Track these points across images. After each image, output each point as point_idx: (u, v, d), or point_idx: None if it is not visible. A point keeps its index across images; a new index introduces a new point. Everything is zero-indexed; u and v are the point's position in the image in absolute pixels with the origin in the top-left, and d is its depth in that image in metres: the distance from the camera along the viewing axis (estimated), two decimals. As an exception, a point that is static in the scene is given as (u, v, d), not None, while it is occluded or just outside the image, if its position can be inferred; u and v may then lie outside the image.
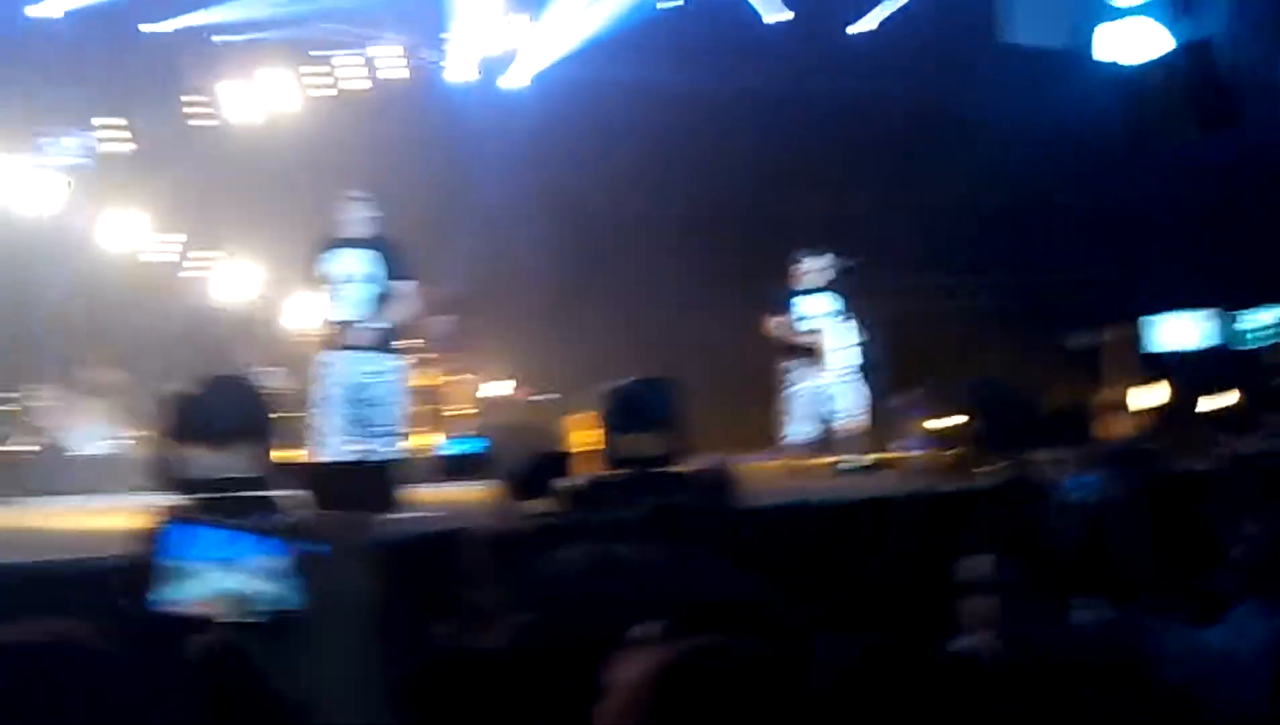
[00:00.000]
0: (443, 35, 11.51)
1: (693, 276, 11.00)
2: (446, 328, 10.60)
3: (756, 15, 11.36)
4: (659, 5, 11.32)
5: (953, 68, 10.71)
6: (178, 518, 1.59)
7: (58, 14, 9.94)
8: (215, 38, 10.72)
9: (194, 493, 5.04)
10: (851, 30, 11.49)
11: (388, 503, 5.02)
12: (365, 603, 1.29)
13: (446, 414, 10.52)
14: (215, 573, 1.55)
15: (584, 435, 10.23)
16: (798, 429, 8.32)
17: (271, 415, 5.53)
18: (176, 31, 10.49)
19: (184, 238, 10.99)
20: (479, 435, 10.41)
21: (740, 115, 10.78)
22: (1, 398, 9.79)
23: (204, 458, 6.79)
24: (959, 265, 11.21)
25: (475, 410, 10.76)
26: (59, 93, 10.18)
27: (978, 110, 10.79)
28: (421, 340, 9.81)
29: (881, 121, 10.95)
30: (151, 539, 1.53)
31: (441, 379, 10.51)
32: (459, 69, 11.33)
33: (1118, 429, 7.90)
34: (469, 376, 10.82)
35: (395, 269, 6.73)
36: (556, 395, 10.71)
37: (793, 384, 8.34)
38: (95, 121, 10.59)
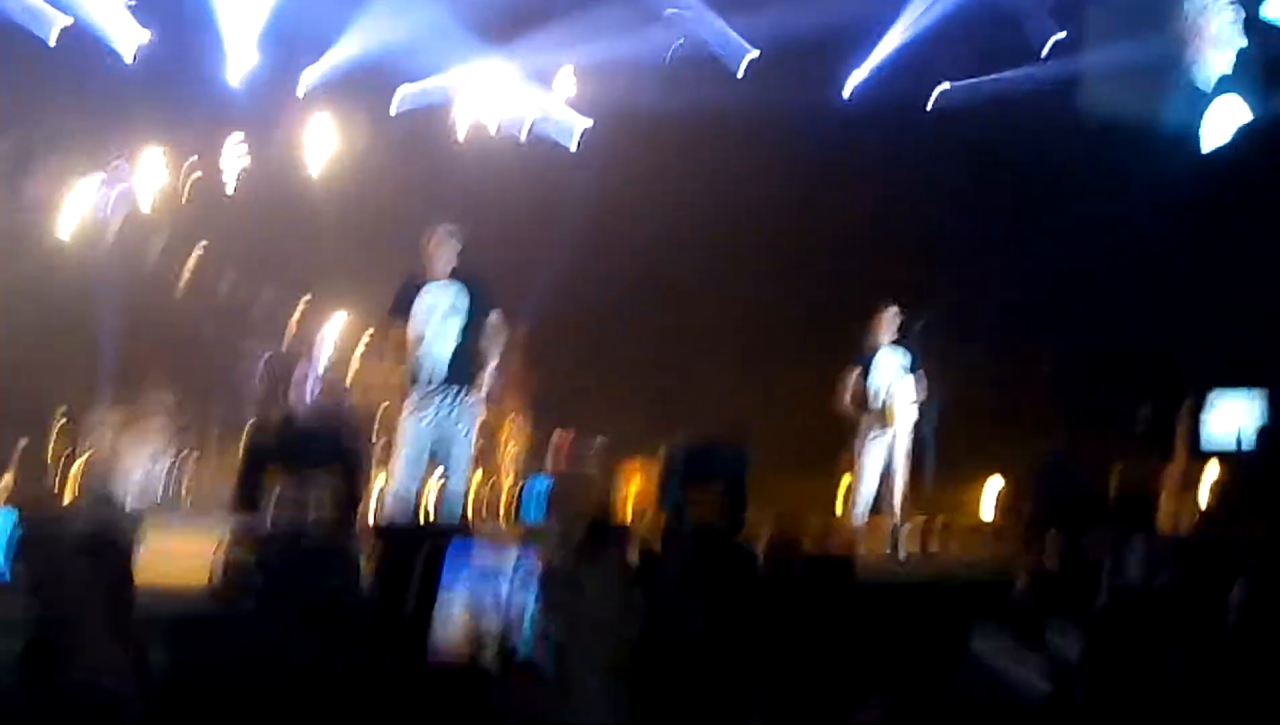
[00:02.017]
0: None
1: (761, 332, 11.05)
2: (506, 368, 10.70)
3: (839, 78, 11.45)
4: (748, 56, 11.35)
5: (1035, 137, 10.73)
6: (450, 536, 1.63)
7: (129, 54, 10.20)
8: (299, 80, 10.94)
9: (275, 520, 5.15)
10: (940, 89, 11.52)
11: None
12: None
13: (509, 453, 10.59)
14: (481, 583, 1.58)
15: (639, 485, 10.33)
16: (866, 493, 8.25)
17: (357, 448, 5.66)
18: (257, 70, 10.72)
19: (259, 273, 11.17)
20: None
21: (822, 174, 10.80)
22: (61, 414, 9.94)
23: (289, 486, 6.91)
24: (1030, 330, 11.16)
25: (524, 450, 10.81)
26: (130, 124, 10.43)
27: (1058, 179, 10.80)
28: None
29: (962, 186, 10.95)
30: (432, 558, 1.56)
31: (497, 418, 10.57)
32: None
33: (1184, 510, 7.78)
34: (520, 417, 10.87)
35: (483, 302, 6.78)
36: (603, 439, 10.76)
37: (861, 443, 8.27)
38: (169, 154, 10.83)
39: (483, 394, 6.78)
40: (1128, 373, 10.45)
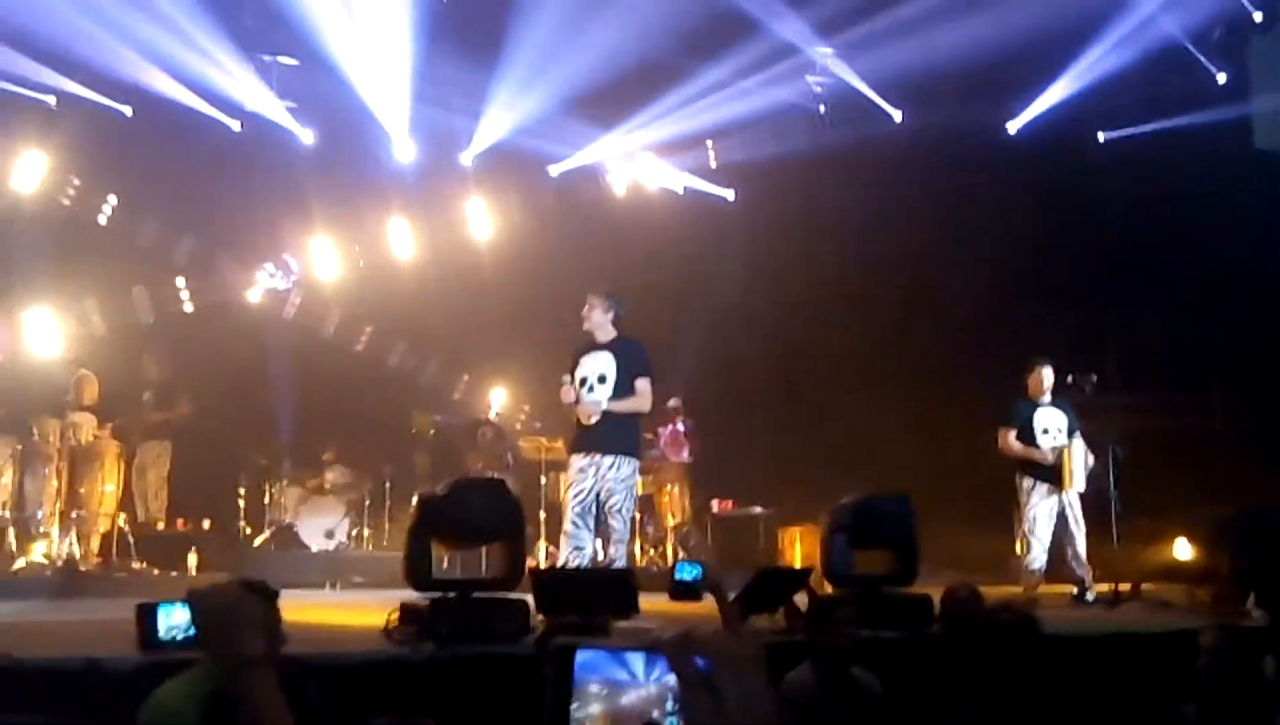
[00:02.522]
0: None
1: (914, 390, 10.77)
2: (663, 437, 10.72)
3: (1001, 123, 11.26)
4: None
5: (1207, 175, 10.31)
6: (575, 640, 1.58)
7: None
8: (462, 158, 11.38)
9: (445, 590, 5.24)
10: (1101, 138, 11.21)
11: (631, 608, 5.02)
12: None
13: (668, 524, 10.54)
14: (616, 697, 1.54)
15: (800, 549, 10.16)
16: (1039, 552, 7.94)
17: (520, 519, 5.73)
18: (418, 153, 11.19)
19: (426, 347, 11.53)
20: (688, 549, 10.44)
21: (978, 221, 10.57)
22: (238, 492, 10.36)
23: (459, 559, 7.02)
24: (1205, 381, 10.60)
25: (683, 522, 10.74)
26: (301, 214, 10.98)
27: (1234, 217, 10.33)
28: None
29: (1131, 229, 10.56)
30: (555, 661, 1.53)
31: (644, 489, 10.55)
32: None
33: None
34: (677, 488, 10.82)
35: (636, 367, 6.82)
36: (761, 509, 10.63)
37: (1033, 503, 7.98)
38: (340, 238, 11.34)
39: (636, 463, 6.78)
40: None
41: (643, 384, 6.71)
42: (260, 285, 11.26)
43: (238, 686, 2.04)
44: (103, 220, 10.62)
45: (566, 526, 6.58)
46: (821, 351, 11.06)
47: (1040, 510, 7.87)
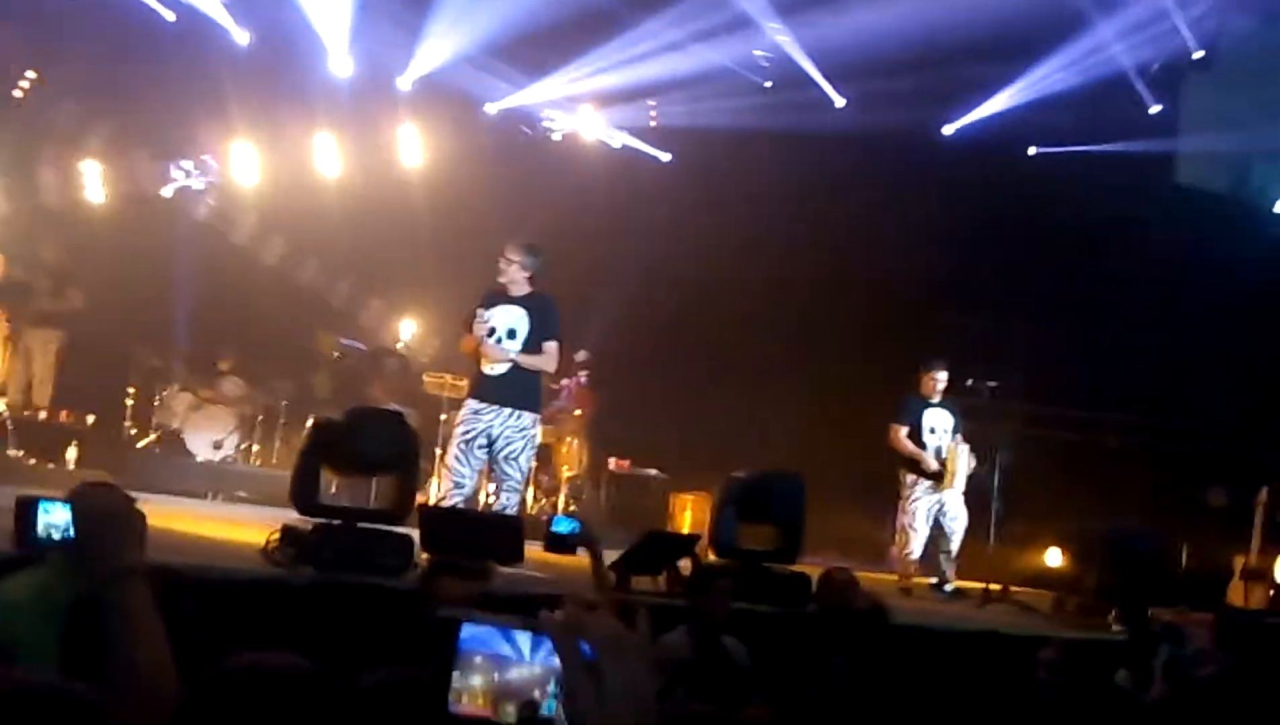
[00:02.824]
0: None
1: (818, 374, 10.93)
2: (567, 390, 10.72)
3: (939, 124, 11.39)
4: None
5: (1129, 202, 10.58)
6: (463, 612, 1.57)
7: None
8: (399, 82, 11.14)
9: (330, 517, 5.20)
10: (1031, 151, 11.41)
11: (516, 557, 5.03)
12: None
13: (563, 476, 10.56)
14: (499, 671, 1.54)
15: (691, 516, 10.28)
16: (916, 544, 8.17)
17: (415, 454, 5.69)
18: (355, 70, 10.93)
19: (340, 268, 11.31)
20: (573, 510, 10.49)
21: (903, 216, 10.69)
22: (128, 391, 10.10)
23: (347, 486, 6.95)
24: (1104, 400, 10.93)
25: (578, 474, 10.78)
26: (229, 114, 10.65)
27: (1149, 247, 10.63)
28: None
29: (1050, 246, 10.80)
30: (441, 631, 1.52)
31: (547, 438, 10.56)
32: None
33: (1255, 599, 7.55)
34: (576, 441, 10.84)
35: (547, 327, 6.82)
36: (656, 472, 10.72)
37: (914, 497, 8.21)
38: (265, 144, 11.04)
39: (536, 416, 6.78)
40: (1205, 452, 10.19)
41: (551, 346, 6.70)
42: (175, 182, 10.91)
43: (109, 594, 2.00)
44: (18, 95, 10.20)
45: (449, 461, 6.50)
46: (736, 324, 11.14)
47: (920, 505, 8.13)
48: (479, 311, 6.63)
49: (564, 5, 9.99)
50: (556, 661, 1.34)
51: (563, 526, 4.43)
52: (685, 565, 5.69)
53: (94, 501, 2.05)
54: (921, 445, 8.18)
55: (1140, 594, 6.08)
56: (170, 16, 10.09)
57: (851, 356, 10.81)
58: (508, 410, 6.58)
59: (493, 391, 6.58)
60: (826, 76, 11.25)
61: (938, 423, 8.26)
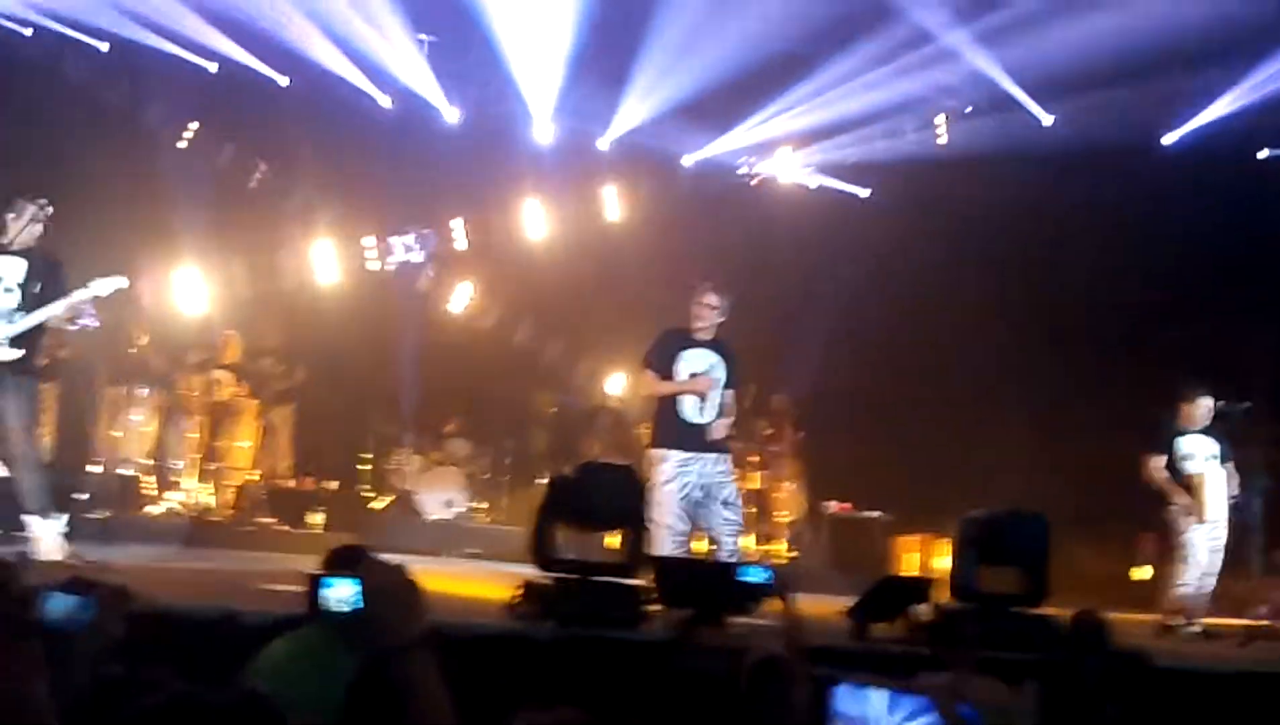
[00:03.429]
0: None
1: (1040, 405, 10.47)
2: (779, 435, 10.66)
3: (1158, 134, 10.88)
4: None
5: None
6: (844, 677, 1.59)
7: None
8: (599, 143, 11.48)
9: (564, 571, 5.31)
10: (1263, 155, 10.70)
11: (741, 607, 5.00)
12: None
13: (776, 521, 10.49)
14: None
15: (916, 559, 10.00)
16: (1190, 580, 7.49)
17: (643, 507, 5.75)
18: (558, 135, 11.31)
19: (552, 328, 11.66)
20: (801, 547, 10.38)
21: (1128, 233, 10.19)
22: (362, 457, 10.63)
23: (586, 541, 7.09)
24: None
25: (797, 519, 10.66)
26: (441, 187, 11.18)
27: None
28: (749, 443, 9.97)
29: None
30: (818, 695, 1.55)
31: (762, 484, 10.50)
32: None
33: None
34: (793, 485, 10.73)
35: (736, 372, 6.79)
36: (878, 514, 10.48)
37: (1183, 531, 7.55)
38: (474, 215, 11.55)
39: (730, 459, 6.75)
40: None
41: (730, 395, 6.72)
42: (397, 257, 11.50)
43: (398, 667, 2.09)
44: (253, 185, 10.98)
45: (669, 519, 6.37)
46: (949, 358, 10.81)
47: (1190, 538, 7.55)
48: (678, 359, 6.61)
49: (756, 51, 10.02)
50: (921, 721, 1.33)
51: (752, 575, 4.33)
52: (925, 611, 5.52)
53: (382, 577, 2.16)
54: (1181, 475, 7.64)
55: None
56: (386, 102, 10.69)
57: (1076, 384, 10.33)
58: (712, 456, 6.55)
59: (700, 440, 6.56)
60: (1032, 95, 10.84)
61: (1199, 449, 7.63)
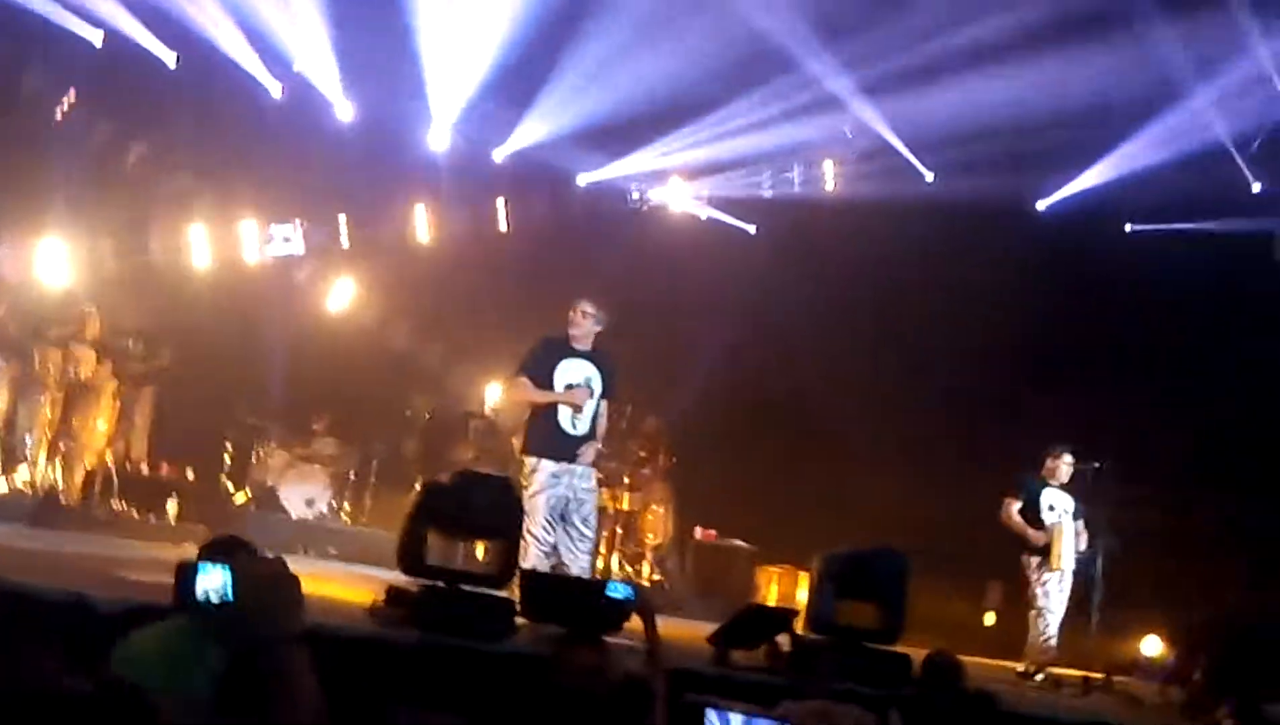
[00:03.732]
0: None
1: (904, 450, 10.79)
2: (651, 458, 10.72)
3: (1032, 198, 11.33)
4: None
5: (1232, 287, 10.37)
6: (713, 702, 1.61)
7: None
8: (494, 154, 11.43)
9: (432, 578, 5.24)
10: (1129, 228, 11.26)
11: (619, 624, 5.01)
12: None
13: (643, 543, 10.52)
14: None
15: (777, 589, 10.16)
16: (1053, 631, 7.87)
17: (520, 519, 5.72)
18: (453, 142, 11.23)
19: (429, 332, 11.52)
20: (665, 571, 10.44)
21: (997, 293, 10.57)
22: (225, 448, 10.32)
23: (449, 548, 6.99)
24: (1201, 481, 10.62)
25: (663, 543, 10.72)
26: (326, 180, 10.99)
27: (1244, 324, 10.38)
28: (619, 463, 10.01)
29: (1161, 329, 10.59)
30: (685, 718, 1.56)
31: (631, 506, 10.54)
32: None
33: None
34: (662, 509, 10.79)
35: (612, 385, 6.75)
36: (743, 543, 10.62)
37: (1036, 579, 7.93)
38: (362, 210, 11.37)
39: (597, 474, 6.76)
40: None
41: (605, 406, 6.71)
42: (275, 247, 11.22)
43: (272, 659, 2.04)
44: (131, 162, 10.59)
45: (536, 530, 6.28)
46: (823, 397, 11.06)
47: (1050, 585, 7.89)
48: (555, 368, 6.55)
49: (661, 87, 10.19)
50: None
51: (617, 591, 4.34)
52: (784, 641, 5.63)
53: (257, 568, 2.11)
54: (1039, 524, 7.98)
55: (1257, 687, 5.86)
56: (277, 90, 10.46)
57: (940, 433, 10.67)
58: (580, 469, 6.51)
59: (573, 451, 6.52)
60: (914, 152, 11.25)
61: (1059, 503, 8.03)
